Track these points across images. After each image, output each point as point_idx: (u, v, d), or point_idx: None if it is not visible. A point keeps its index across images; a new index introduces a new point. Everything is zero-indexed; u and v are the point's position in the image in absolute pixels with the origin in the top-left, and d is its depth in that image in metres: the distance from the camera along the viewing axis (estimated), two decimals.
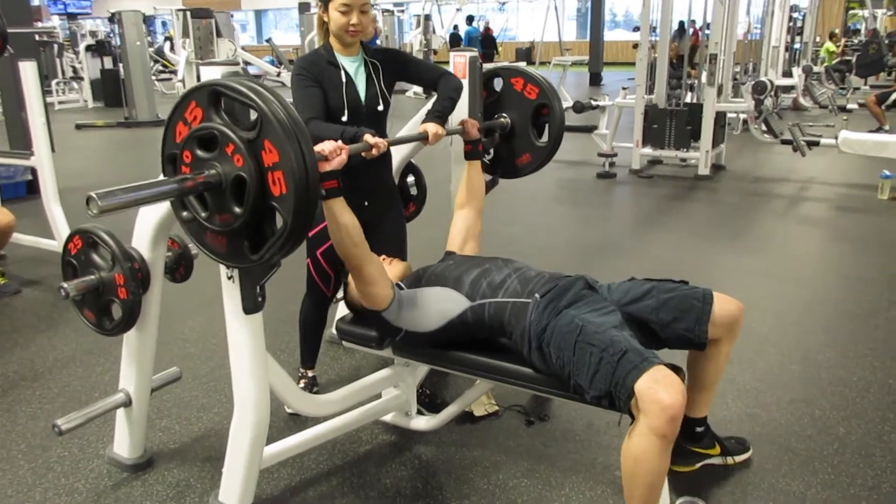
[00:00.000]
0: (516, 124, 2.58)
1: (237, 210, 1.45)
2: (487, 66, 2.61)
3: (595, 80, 16.97)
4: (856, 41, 15.59)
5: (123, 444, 2.19)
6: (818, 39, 13.49)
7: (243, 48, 12.33)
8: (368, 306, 1.99)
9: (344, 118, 2.26)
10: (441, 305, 1.95)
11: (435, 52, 15.09)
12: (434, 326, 1.96)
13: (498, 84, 2.65)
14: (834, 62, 12.19)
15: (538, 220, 5.32)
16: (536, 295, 1.86)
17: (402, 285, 2.03)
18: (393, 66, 2.41)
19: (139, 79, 10.54)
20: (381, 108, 2.35)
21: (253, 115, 1.46)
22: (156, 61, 15.50)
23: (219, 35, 10.12)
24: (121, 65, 11.16)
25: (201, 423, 2.45)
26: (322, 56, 2.29)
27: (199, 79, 1.64)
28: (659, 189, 6.25)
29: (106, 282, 1.89)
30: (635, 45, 7.62)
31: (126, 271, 1.84)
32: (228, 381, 1.81)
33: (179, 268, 2.07)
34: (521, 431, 2.37)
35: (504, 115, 2.59)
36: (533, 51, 18.67)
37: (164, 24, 26.02)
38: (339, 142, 1.84)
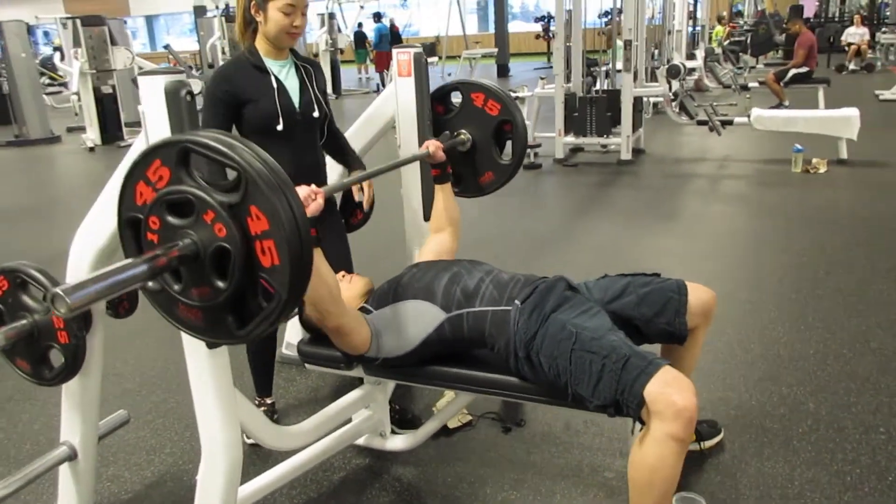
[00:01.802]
0: (477, 141, 2.41)
1: (220, 284, 1.23)
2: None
3: (503, 71, 17.08)
4: (741, 22, 16.34)
5: (70, 502, 1.97)
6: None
7: (139, 55, 11.69)
8: (349, 352, 1.85)
9: (279, 126, 2.09)
10: (416, 322, 1.82)
11: (341, 52, 14.78)
12: (411, 347, 1.83)
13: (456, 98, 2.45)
14: (726, 43, 12.72)
15: (471, 213, 5.22)
16: (517, 301, 1.77)
17: (370, 307, 1.89)
18: (320, 78, 2.28)
19: (28, 93, 9.84)
20: (316, 115, 2.19)
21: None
22: (42, 73, 14.52)
23: (113, 43, 9.53)
24: (4, 79, 10.37)
25: (153, 467, 2.25)
26: (247, 61, 2.11)
27: (137, 86, 1.45)
28: (586, 177, 6.30)
29: (41, 326, 1.67)
30: (538, 36, 7.66)
31: None
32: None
33: (123, 301, 1.85)
34: (499, 440, 2.28)
35: (464, 131, 2.41)
36: (438, 45, 18.64)
37: (46, 34, 24.44)
38: (313, 185, 1.67)
